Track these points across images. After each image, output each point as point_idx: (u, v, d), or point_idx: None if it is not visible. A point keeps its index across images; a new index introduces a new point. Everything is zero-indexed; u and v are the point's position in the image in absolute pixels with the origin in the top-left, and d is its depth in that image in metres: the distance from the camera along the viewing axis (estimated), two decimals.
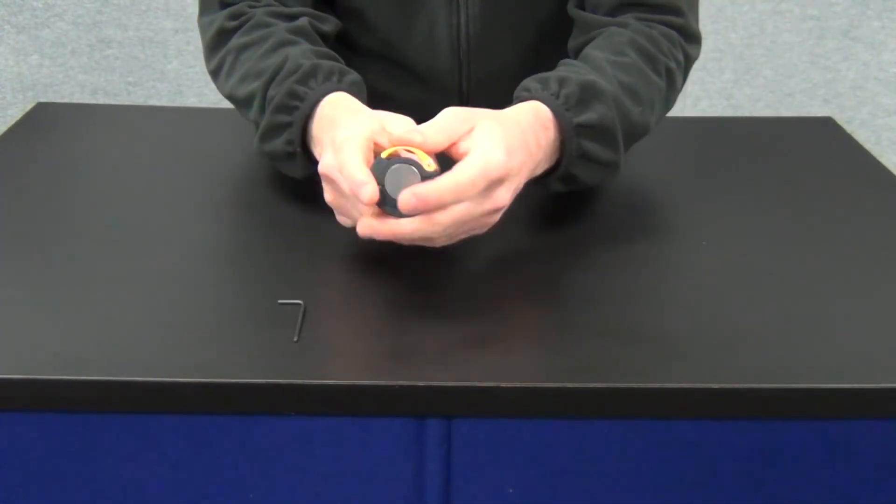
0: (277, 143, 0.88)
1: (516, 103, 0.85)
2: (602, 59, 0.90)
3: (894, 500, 0.73)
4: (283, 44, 0.93)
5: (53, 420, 0.69)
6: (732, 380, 0.68)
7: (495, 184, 0.75)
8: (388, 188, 0.73)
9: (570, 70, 0.87)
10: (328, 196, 0.79)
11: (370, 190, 0.72)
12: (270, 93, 0.88)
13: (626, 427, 0.70)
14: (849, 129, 1.18)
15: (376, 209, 0.74)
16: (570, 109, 0.83)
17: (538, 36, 1.06)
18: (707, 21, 2.09)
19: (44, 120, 1.14)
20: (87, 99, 2.12)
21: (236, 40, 0.96)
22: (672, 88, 0.96)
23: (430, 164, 0.74)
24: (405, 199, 0.72)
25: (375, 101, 1.11)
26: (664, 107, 0.96)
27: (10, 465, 0.71)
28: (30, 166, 1.01)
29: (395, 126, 0.79)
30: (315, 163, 0.82)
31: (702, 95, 2.13)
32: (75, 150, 1.06)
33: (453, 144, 0.77)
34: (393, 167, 0.74)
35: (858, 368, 0.70)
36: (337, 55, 0.95)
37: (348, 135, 0.76)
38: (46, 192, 0.95)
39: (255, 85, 0.91)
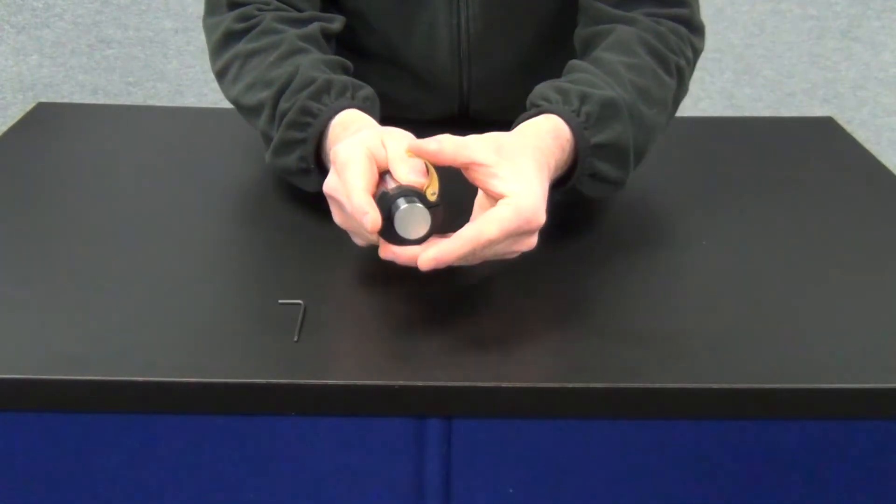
0: (290, 160, 0.88)
1: (532, 110, 0.84)
2: (616, 63, 0.89)
3: (894, 501, 0.73)
4: (293, 52, 0.92)
5: (53, 420, 0.69)
6: (732, 380, 0.68)
7: (526, 234, 0.74)
8: (398, 228, 0.72)
9: (587, 80, 0.86)
10: (336, 217, 0.78)
11: (371, 219, 0.71)
12: (282, 106, 0.88)
13: (626, 427, 0.70)
14: (849, 129, 1.18)
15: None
16: (588, 128, 0.83)
17: (537, 35, 1.06)
18: (707, 21, 2.09)
19: (44, 120, 1.14)
20: (87, 99, 2.12)
21: (244, 45, 0.95)
22: (682, 87, 0.96)
23: (433, 193, 0.72)
24: (425, 261, 0.70)
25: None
26: (675, 105, 0.96)
27: (10, 465, 0.71)
28: (30, 166, 1.01)
29: (393, 142, 0.76)
30: None
31: (702, 95, 2.13)
32: (75, 150, 1.06)
33: (479, 169, 0.73)
34: (400, 210, 0.71)
35: (858, 368, 0.70)
36: (347, 62, 0.95)
37: (348, 155, 0.75)
38: (46, 192, 0.95)
39: (263, 95, 0.90)
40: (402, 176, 0.73)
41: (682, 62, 0.95)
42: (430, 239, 0.72)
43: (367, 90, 0.90)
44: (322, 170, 0.86)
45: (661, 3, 0.97)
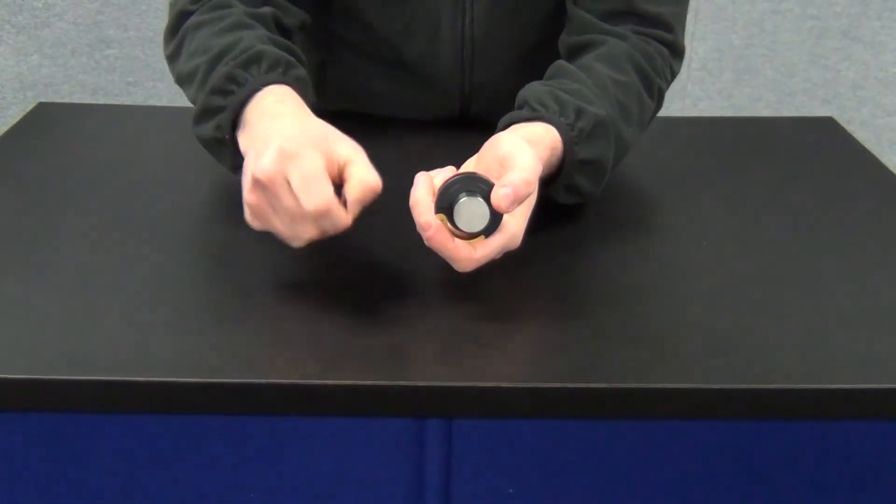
0: (207, 128, 0.84)
1: (525, 111, 0.86)
2: (605, 77, 0.91)
3: (894, 501, 0.73)
4: (238, 26, 0.89)
5: (53, 420, 0.69)
6: (732, 380, 0.68)
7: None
8: (456, 213, 0.73)
9: (582, 94, 0.87)
10: (253, 199, 0.73)
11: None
12: (215, 72, 0.84)
13: (626, 427, 0.70)
14: (849, 129, 1.18)
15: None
16: (578, 143, 0.84)
17: (539, 37, 1.06)
18: (707, 21, 2.10)
19: (44, 120, 1.14)
20: (87, 99, 2.13)
21: (193, 19, 0.92)
22: (658, 107, 0.98)
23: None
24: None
25: (377, 102, 1.12)
26: (649, 123, 0.98)
27: (10, 465, 0.71)
28: (30, 166, 1.01)
29: (342, 149, 0.75)
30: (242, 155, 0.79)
31: (702, 95, 2.13)
32: (75, 150, 1.06)
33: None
34: (468, 198, 0.73)
35: (858, 368, 0.70)
36: (294, 47, 0.91)
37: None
38: (46, 192, 0.95)
39: (199, 60, 0.87)
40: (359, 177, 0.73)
41: (664, 85, 0.97)
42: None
43: (300, 70, 0.86)
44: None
45: (648, 23, 0.98)
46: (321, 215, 0.71)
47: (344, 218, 0.72)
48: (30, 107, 1.18)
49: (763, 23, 2.11)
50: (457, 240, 0.74)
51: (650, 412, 0.69)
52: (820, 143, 1.13)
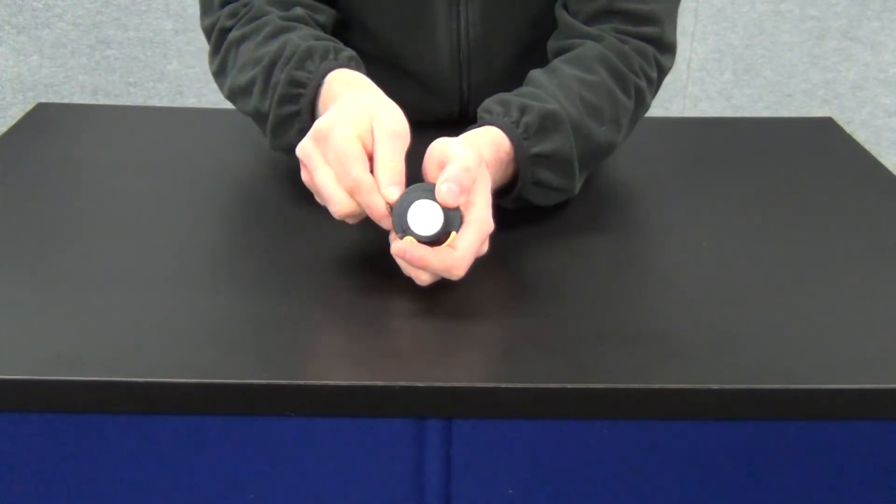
0: (291, 135, 0.88)
1: (476, 124, 0.86)
2: (571, 77, 0.91)
3: (894, 501, 0.73)
4: (280, 31, 0.92)
5: (53, 420, 0.69)
6: (731, 380, 0.68)
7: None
8: (411, 223, 0.74)
9: (531, 94, 0.88)
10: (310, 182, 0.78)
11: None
12: (273, 80, 0.88)
13: (626, 427, 0.70)
14: (849, 129, 1.18)
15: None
16: (528, 139, 0.84)
17: (534, 35, 1.06)
18: (707, 21, 2.10)
19: (44, 120, 1.14)
20: (87, 99, 2.13)
21: (234, 33, 0.95)
22: (641, 106, 0.97)
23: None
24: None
25: None
26: (631, 124, 0.97)
27: (10, 465, 0.71)
28: (30, 166, 1.01)
29: (386, 125, 0.77)
30: None
31: (702, 95, 2.13)
32: (75, 150, 1.06)
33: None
34: (415, 204, 0.74)
35: (858, 368, 0.70)
36: (335, 39, 0.94)
37: (347, 146, 0.75)
38: (46, 192, 0.95)
39: (254, 71, 0.90)
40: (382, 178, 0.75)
41: (643, 83, 0.96)
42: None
43: (348, 51, 0.90)
44: None
45: (632, 21, 0.97)
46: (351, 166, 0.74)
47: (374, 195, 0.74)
48: (30, 107, 1.18)
49: (763, 23, 2.12)
50: (436, 248, 0.74)
51: (650, 412, 0.69)
52: (819, 143, 1.13)
